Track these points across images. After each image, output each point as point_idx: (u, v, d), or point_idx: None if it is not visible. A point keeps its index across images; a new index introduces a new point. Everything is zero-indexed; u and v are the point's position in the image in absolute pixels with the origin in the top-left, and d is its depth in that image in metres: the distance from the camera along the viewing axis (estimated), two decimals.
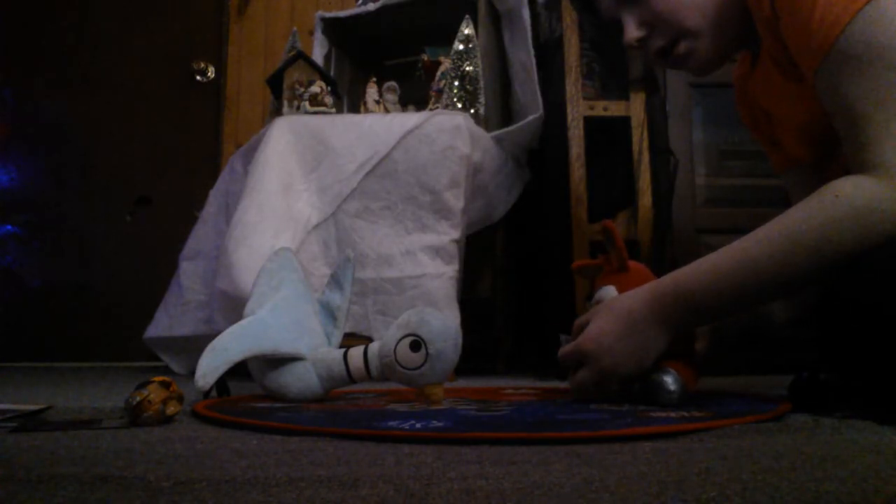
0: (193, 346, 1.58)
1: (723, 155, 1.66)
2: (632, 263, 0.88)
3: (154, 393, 0.67)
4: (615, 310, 0.77)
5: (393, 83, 1.84)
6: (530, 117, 1.74)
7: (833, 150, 0.82)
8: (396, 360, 0.82)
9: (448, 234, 1.47)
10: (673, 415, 0.66)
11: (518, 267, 1.94)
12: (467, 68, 1.67)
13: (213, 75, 2.70)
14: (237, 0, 2.74)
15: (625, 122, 1.67)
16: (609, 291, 0.84)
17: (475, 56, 1.68)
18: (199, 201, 1.85)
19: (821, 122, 0.78)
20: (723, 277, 0.71)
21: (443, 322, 0.83)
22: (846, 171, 0.69)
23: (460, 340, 0.83)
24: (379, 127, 1.52)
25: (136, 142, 2.68)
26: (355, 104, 2.10)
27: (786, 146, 0.96)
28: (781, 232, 0.68)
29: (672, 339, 0.75)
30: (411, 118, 1.53)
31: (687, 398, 0.77)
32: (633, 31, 0.88)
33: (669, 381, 0.75)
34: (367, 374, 0.87)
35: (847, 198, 0.66)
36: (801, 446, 0.52)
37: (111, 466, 0.46)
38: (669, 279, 0.75)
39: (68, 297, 2.60)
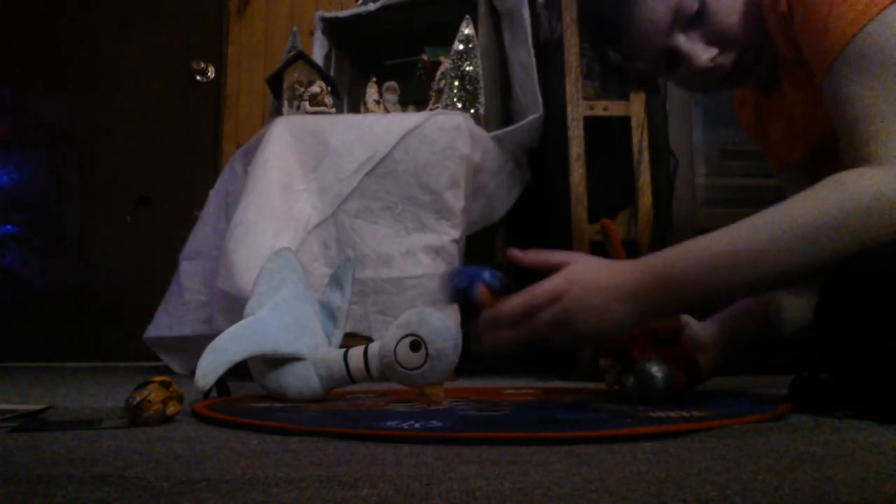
0: (193, 346, 1.58)
1: (723, 155, 1.66)
2: None
3: (154, 393, 0.67)
4: (600, 263, 0.73)
5: (393, 83, 1.84)
6: (530, 117, 1.74)
7: (828, 157, 0.82)
8: (396, 360, 0.82)
9: (448, 234, 1.47)
10: (673, 415, 0.66)
11: (518, 267, 1.94)
12: (467, 68, 1.67)
13: (213, 75, 2.70)
14: (237, 0, 2.74)
15: (625, 122, 1.67)
16: None
17: (475, 56, 1.68)
18: (199, 201, 1.85)
19: (820, 126, 0.78)
20: (715, 256, 0.68)
21: (443, 322, 0.83)
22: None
23: (460, 340, 0.83)
24: (379, 127, 1.52)
25: (136, 142, 2.68)
26: (355, 104, 2.10)
27: (781, 150, 0.96)
28: (780, 216, 0.67)
29: (644, 313, 0.69)
30: (411, 118, 1.53)
31: (673, 391, 0.77)
32: (703, 54, 0.81)
33: (655, 368, 0.76)
34: (367, 374, 0.87)
35: (851, 186, 0.65)
36: (801, 446, 0.52)
37: (111, 466, 0.46)
38: (660, 253, 0.72)
39: (68, 297, 2.60)
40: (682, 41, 0.82)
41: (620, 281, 0.70)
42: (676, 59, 0.84)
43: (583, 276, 0.69)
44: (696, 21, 0.80)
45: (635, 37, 0.83)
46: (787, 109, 0.89)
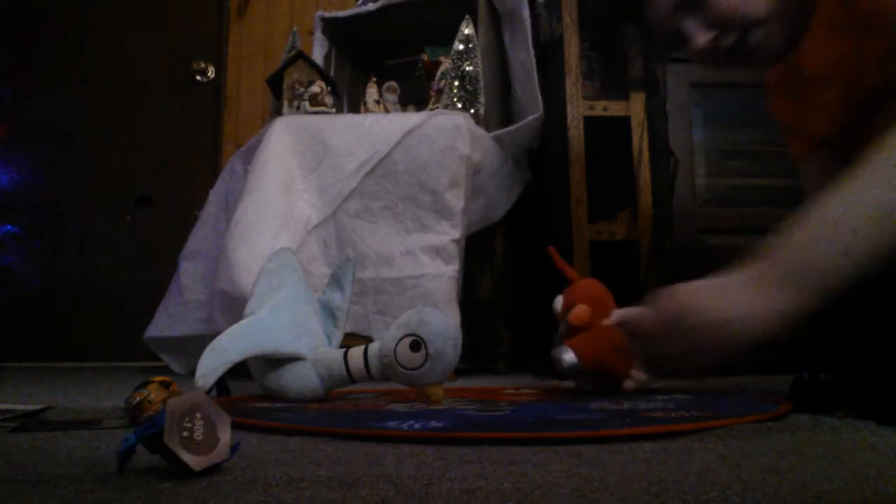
0: (193, 346, 1.58)
1: (723, 155, 1.66)
2: (583, 280, 1.00)
3: (154, 393, 0.68)
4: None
5: (393, 83, 1.84)
6: (530, 117, 1.74)
7: (862, 126, 0.80)
8: (396, 360, 0.82)
9: (448, 234, 1.47)
10: (673, 415, 0.66)
11: (518, 267, 1.94)
12: (467, 68, 1.67)
13: (213, 75, 2.70)
14: (237, 0, 2.74)
15: (625, 122, 1.67)
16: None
17: (475, 56, 1.68)
18: (199, 201, 1.85)
19: (870, 83, 0.76)
20: (823, 221, 0.64)
21: (443, 322, 0.83)
22: None
23: (460, 340, 0.83)
24: (379, 127, 1.52)
25: (136, 142, 2.67)
26: (355, 104, 2.10)
27: (816, 122, 0.92)
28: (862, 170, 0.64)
29: (768, 281, 0.64)
30: (411, 118, 1.53)
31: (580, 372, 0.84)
32: (701, 37, 0.85)
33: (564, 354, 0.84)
34: (367, 374, 0.87)
35: None
36: (801, 446, 0.52)
37: (111, 466, 0.46)
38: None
39: (68, 297, 2.60)
40: (685, 23, 0.86)
41: (727, 275, 0.67)
42: (683, 39, 0.88)
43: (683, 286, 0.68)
44: (697, 4, 0.84)
45: (647, 16, 0.89)
46: (817, 79, 0.88)
